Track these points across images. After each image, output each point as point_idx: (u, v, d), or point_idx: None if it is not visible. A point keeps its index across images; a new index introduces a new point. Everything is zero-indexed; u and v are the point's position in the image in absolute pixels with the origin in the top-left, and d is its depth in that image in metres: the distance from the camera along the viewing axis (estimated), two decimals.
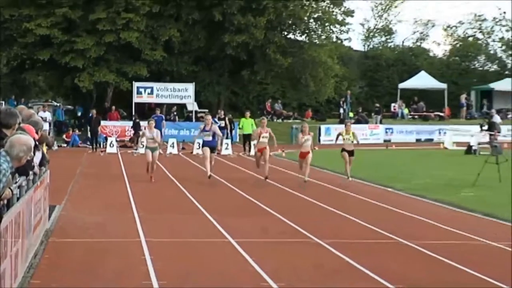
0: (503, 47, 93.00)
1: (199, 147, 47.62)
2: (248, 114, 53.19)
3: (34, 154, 15.77)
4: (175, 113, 63.47)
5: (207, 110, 62.73)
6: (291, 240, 17.73)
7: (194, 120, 60.69)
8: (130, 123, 58.21)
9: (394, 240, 17.67)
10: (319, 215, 22.06)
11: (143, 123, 55.37)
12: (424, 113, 74.62)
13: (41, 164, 16.90)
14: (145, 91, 60.79)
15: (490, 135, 41.45)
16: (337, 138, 28.36)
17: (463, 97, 77.82)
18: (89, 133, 55.17)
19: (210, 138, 29.16)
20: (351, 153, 27.35)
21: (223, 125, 51.44)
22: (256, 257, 15.33)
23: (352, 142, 27.23)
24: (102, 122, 55.76)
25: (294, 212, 22.28)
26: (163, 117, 53.52)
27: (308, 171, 27.59)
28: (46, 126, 46.70)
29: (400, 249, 16.78)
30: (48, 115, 53.71)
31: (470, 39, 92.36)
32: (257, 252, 15.86)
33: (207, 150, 28.84)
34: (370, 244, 17.36)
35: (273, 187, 29.57)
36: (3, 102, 52.30)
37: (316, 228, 19.00)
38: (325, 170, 35.66)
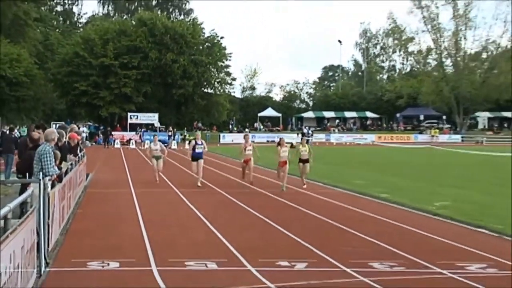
0: (308, 96, 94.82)
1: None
2: (185, 129, 53.40)
3: (78, 148, 15.66)
4: (149, 127, 62.93)
5: (164, 126, 62.28)
6: (204, 190, 17.82)
7: (158, 131, 59.98)
8: (126, 133, 58.40)
9: (254, 190, 17.91)
10: (220, 179, 22.16)
11: (117, 133, 54.89)
12: (270, 128, 75.31)
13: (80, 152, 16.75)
14: (134, 117, 60.66)
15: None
16: (297, 150, 20.45)
17: (289, 120, 79.08)
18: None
19: (201, 150, 19.48)
20: (306, 161, 19.59)
21: (170, 134, 51.65)
22: (188, 198, 15.45)
23: (307, 152, 19.52)
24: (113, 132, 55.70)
25: (206, 177, 22.40)
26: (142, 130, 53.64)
27: (286, 179, 18.65)
28: (84, 134, 45.77)
29: (258, 194, 17.00)
30: (85, 129, 53.06)
31: (292, 92, 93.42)
32: (189, 195, 15.96)
33: (198, 160, 19.27)
34: (241, 192, 17.58)
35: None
36: (63, 122, 51.12)
37: (217, 183, 19.21)
38: (230, 157, 35.72)
